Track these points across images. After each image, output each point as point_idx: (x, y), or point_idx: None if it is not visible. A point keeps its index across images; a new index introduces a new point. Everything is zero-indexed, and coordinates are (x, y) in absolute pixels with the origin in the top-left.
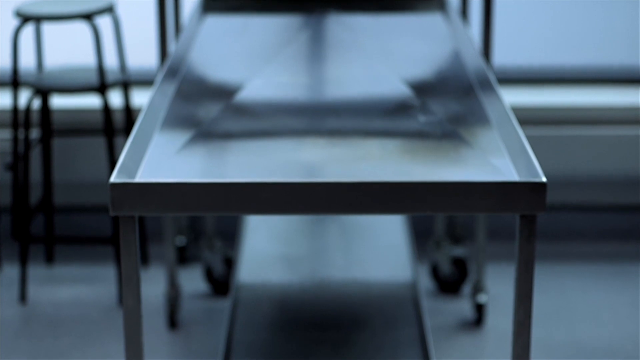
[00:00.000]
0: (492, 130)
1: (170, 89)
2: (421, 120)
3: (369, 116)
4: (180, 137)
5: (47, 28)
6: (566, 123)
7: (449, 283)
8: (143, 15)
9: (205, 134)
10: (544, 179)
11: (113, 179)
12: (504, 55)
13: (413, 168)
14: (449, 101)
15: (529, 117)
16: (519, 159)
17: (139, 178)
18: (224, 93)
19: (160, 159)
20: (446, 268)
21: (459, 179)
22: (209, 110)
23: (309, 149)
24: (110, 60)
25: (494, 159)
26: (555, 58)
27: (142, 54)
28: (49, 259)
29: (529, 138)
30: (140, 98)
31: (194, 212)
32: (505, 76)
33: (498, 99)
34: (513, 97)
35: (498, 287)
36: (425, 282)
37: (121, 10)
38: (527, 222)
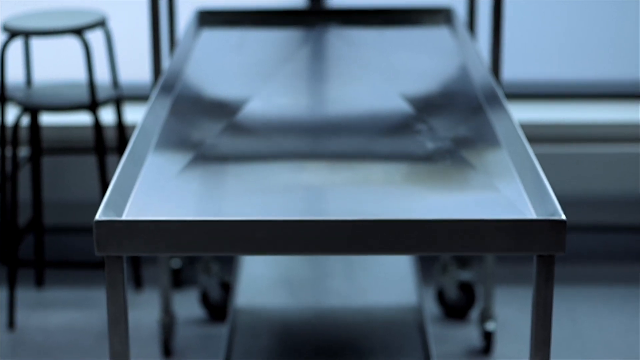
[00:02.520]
0: (502, 154)
1: (165, 107)
2: (429, 146)
3: (372, 137)
4: (174, 162)
5: (36, 42)
6: (578, 140)
7: (456, 308)
8: (136, 29)
9: (200, 159)
10: (563, 217)
11: (98, 216)
12: (513, 69)
13: (420, 199)
14: (456, 120)
15: (539, 134)
16: (534, 191)
17: (127, 215)
18: (220, 112)
19: (151, 189)
20: (453, 293)
21: (471, 216)
22: (205, 131)
23: (309, 176)
24: (102, 75)
25: (508, 191)
26: (567, 72)
27: (135, 68)
28: (39, 282)
29: (539, 156)
30: (133, 113)
31: (186, 252)
32: (515, 91)
33: (507, 117)
34: (523, 113)
35: (507, 312)
36: (431, 308)
37: (113, 23)
38: (545, 263)
